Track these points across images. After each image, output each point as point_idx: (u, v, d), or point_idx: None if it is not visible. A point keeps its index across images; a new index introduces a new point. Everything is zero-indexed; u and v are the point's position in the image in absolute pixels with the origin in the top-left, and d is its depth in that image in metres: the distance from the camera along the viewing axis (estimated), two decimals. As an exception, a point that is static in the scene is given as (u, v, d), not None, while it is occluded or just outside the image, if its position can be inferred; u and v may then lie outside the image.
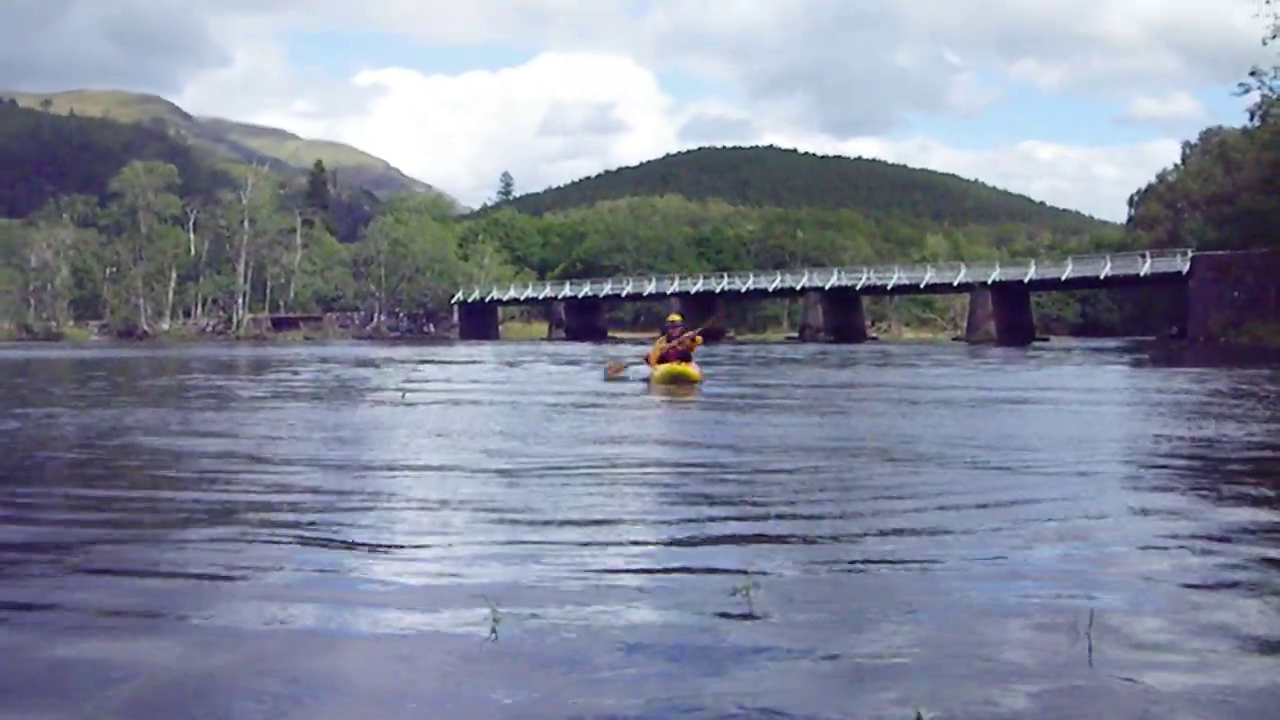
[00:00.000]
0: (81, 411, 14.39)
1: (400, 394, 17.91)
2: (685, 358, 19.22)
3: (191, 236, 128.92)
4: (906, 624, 4.07)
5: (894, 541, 5.59)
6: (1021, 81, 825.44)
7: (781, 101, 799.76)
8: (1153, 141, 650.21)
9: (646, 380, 19.32)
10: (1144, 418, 13.73)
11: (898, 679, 3.46)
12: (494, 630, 3.92)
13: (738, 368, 29.05)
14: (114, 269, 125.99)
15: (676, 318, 20.47)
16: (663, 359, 19.32)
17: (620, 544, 5.61)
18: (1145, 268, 78.50)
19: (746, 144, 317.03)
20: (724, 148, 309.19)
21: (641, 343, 50.25)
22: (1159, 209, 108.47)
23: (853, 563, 5.13)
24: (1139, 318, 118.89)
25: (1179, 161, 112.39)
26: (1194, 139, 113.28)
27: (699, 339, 19.81)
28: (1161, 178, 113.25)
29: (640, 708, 3.25)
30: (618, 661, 3.64)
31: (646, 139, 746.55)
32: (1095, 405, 16.10)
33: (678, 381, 18.59)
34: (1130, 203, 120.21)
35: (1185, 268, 74.47)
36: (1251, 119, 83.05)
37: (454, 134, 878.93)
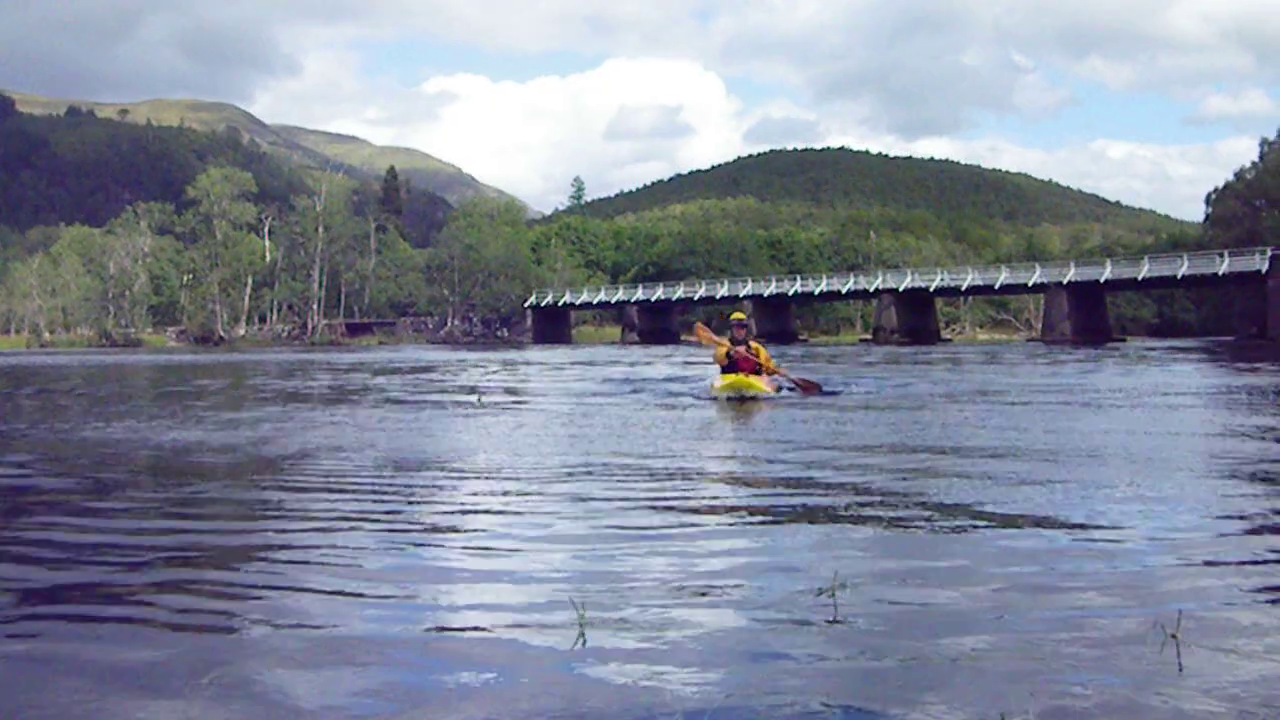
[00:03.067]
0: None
1: (476, 399, 18.00)
2: (756, 371, 17.84)
3: (267, 243, 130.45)
4: (990, 625, 4.05)
5: (982, 542, 5.55)
6: (1090, 81, 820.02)
7: (848, 103, 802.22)
8: (1226, 139, 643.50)
9: (709, 385, 18.19)
10: (1231, 415, 13.52)
11: (981, 681, 3.45)
12: (581, 633, 3.96)
13: (814, 367, 28.91)
14: (191, 276, 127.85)
15: (740, 316, 18.91)
16: (731, 368, 17.89)
17: (705, 542, 5.65)
18: (1223, 266, 77.43)
19: (817, 146, 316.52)
20: (794, 150, 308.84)
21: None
22: (1237, 207, 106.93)
23: (939, 562, 5.11)
24: (1217, 317, 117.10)
25: (1257, 159, 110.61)
26: (1271, 136, 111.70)
27: (784, 374, 18.56)
28: (1240, 175, 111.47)
29: (724, 708, 3.27)
30: (702, 662, 3.66)
31: (713, 142, 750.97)
32: (1182, 405, 15.83)
33: (742, 394, 17.19)
34: (1207, 201, 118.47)
35: (1265, 266, 73.43)
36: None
37: (523, 139, 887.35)
